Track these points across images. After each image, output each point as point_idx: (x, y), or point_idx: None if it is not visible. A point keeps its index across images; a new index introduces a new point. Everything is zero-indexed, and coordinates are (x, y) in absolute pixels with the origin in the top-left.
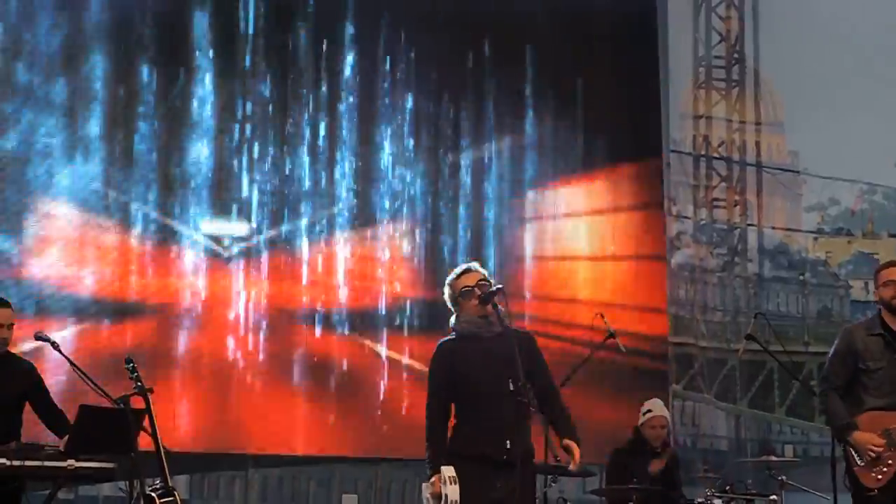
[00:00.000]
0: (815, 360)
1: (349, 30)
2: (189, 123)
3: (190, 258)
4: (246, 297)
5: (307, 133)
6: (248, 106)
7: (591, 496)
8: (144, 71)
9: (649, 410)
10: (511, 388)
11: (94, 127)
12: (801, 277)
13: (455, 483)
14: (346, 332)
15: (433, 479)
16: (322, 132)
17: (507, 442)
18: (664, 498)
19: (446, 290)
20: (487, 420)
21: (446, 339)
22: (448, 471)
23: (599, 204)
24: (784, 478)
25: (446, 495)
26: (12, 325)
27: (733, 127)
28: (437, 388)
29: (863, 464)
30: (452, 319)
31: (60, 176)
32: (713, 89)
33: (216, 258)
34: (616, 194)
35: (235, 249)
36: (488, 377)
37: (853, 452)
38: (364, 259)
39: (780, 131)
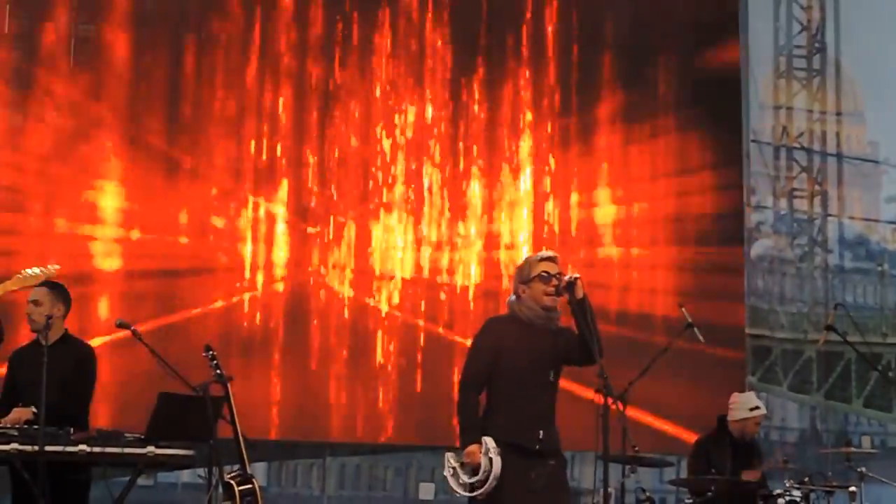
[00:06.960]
0: (894, 351)
1: None
2: None
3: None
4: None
5: None
6: None
7: (669, 486)
8: None
9: (757, 407)
10: (552, 378)
11: None
12: (880, 268)
13: (499, 455)
14: (425, 322)
15: (470, 449)
16: None
17: (541, 432)
18: (744, 490)
19: (521, 267)
20: (524, 409)
21: (498, 316)
22: (491, 442)
23: (679, 193)
24: (864, 469)
25: (490, 464)
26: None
27: (813, 117)
28: (478, 363)
29: None
30: (512, 298)
31: None
32: (794, 79)
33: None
34: (695, 185)
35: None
36: (531, 366)
37: None
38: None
39: (860, 121)
